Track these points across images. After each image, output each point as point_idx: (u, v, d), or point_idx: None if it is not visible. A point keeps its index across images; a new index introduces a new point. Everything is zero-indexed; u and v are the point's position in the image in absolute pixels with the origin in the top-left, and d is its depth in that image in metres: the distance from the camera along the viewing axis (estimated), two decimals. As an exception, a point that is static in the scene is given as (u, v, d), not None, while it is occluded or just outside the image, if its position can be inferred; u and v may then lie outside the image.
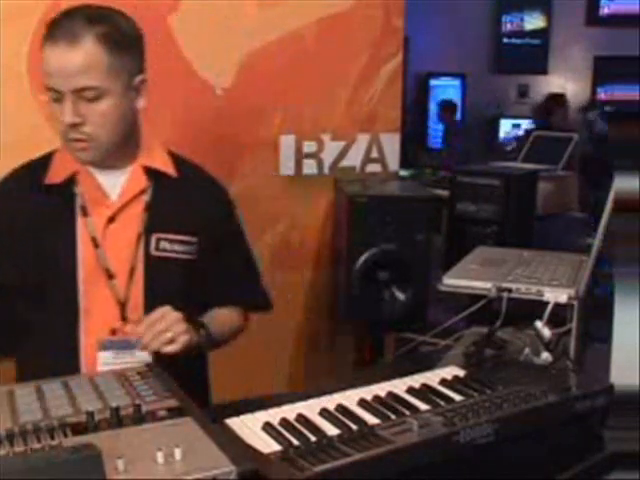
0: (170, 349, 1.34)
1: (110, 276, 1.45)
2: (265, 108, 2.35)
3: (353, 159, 2.54)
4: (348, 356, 2.54)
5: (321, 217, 2.52)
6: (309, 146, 2.45)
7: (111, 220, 1.46)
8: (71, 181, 1.47)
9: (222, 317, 1.57)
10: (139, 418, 1.06)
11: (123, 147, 1.46)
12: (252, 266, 1.65)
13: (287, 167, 2.44)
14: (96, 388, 1.19)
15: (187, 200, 1.52)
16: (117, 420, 1.05)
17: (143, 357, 1.36)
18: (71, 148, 1.41)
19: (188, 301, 1.46)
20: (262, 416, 1.14)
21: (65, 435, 1.01)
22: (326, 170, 2.50)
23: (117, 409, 1.06)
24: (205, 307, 1.54)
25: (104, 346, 1.41)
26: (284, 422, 1.11)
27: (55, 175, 1.47)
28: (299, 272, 2.51)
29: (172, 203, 1.50)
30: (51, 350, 1.45)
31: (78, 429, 1.03)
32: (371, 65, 2.50)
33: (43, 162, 1.50)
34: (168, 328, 1.34)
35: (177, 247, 1.49)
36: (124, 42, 1.38)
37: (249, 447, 1.04)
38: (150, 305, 1.43)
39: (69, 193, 1.46)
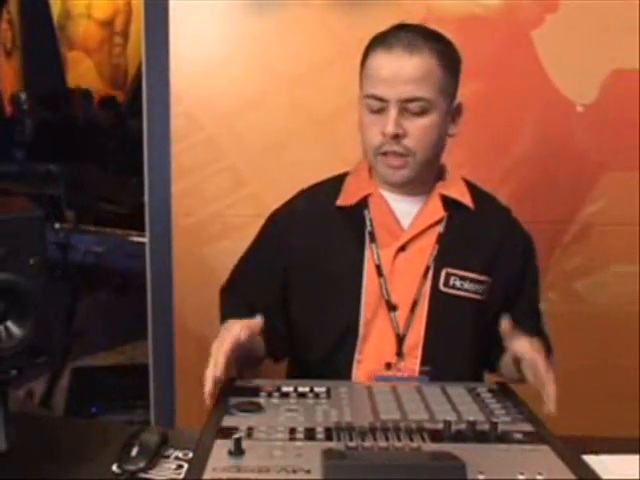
0: None
1: (391, 307, 1.38)
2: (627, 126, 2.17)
3: None
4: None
5: None
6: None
7: (401, 250, 1.39)
8: (363, 205, 1.42)
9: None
10: (496, 436, 1.04)
11: (426, 172, 1.40)
12: (537, 309, 1.49)
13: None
14: (449, 399, 1.21)
15: (482, 234, 1.42)
16: (473, 434, 1.05)
17: None
18: (383, 164, 1.36)
19: (469, 344, 1.41)
20: (624, 460, 1.05)
21: (423, 440, 1.03)
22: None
23: (474, 423, 1.06)
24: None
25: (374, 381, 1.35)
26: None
27: (348, 197, 1.43)
28: None
29: (466, 236, 1.40)
30: (325, 371, 1.39)
31: (435, 436, 1.04)
32: None
33: (337, 183, 1.47)
34: None
35: (467, 285, 1.38)
36: (453, 63, 1.37)
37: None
38: (430, 343, 1.37)
39: (359, 217, 1.41)
